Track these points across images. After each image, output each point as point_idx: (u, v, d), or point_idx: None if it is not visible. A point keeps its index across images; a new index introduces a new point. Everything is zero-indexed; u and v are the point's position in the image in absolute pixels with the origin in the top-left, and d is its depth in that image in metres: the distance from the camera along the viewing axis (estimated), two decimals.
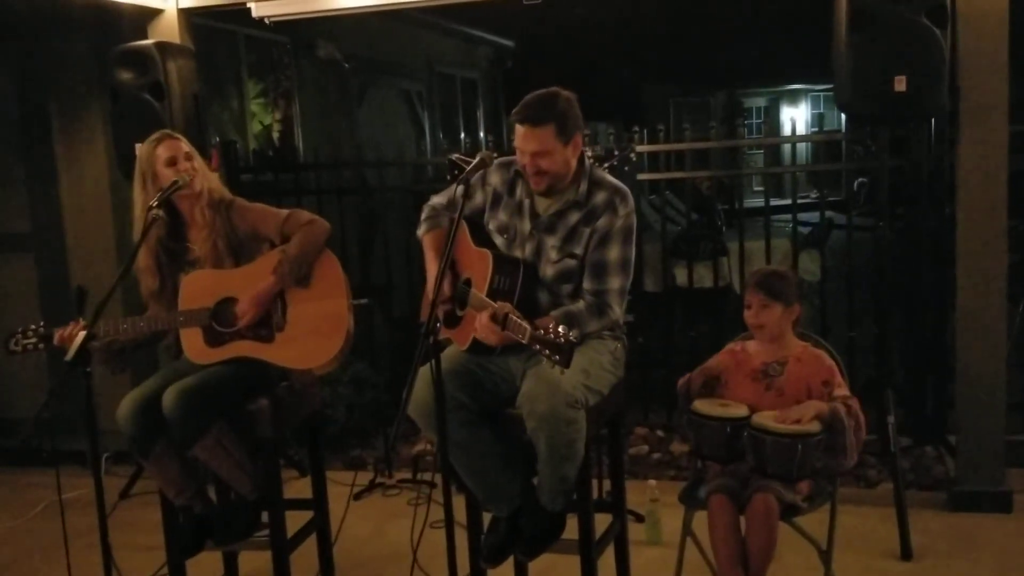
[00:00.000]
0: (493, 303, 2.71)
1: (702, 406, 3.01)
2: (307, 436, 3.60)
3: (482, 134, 10.23)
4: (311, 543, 3.48)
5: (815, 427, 2.85)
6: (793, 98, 20.99)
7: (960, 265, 3.96)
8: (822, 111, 20.14)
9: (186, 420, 3.03)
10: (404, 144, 7.91)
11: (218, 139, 5.50)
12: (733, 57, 14.63)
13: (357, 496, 4.48)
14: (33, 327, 3.20)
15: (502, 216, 3.04)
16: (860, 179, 11.78)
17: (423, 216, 3.22)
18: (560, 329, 2.46)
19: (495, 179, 3.05)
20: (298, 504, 3.53)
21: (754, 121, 19.92)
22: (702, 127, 6.90)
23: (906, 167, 4.71)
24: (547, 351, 2.46)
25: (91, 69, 5.03)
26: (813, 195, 5.27)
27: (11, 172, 5.41)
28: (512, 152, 2.97)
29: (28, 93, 5.32)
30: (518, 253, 2.97)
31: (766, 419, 2.88)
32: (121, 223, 5.14)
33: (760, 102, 21.12)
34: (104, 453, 4.99)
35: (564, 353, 2.44)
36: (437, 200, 3.23)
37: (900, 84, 3.55)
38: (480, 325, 2.68)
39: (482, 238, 3.04)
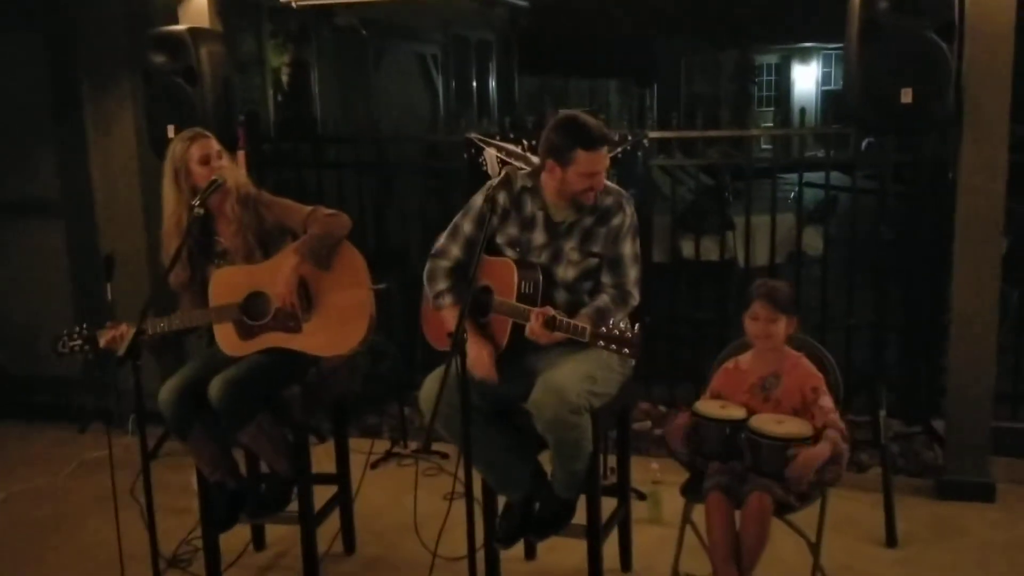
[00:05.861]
0: (524, 307, 2.99)
1: (703, 407, 3.20)
2: (331, 413, 3.82)
3: (496, 110, 10.24)
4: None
5: (807, 431, 3.05)
6: (804, 56, 20.90)
7: (956, 262, 4.11)
8: (831, 70, 20.08)
9: (233, 409, 3.25)
10: (418, 108, 7.98)
11: (243, 116, 5.58)
12: (745, 14, 14.56)
13: (374, 465, 4.69)
14: (78, 329, 3.39)
15: (512, 231, 3.23)
16: (868, 139, 11.83)
17: (440, 285, 3.25)
18: (622, 325, 2.73)
19: (501, 197, 3.18)
20: (322, 479, 3.75)
21: (765, 78, 19.89)
22: (713, 84, 6.98)
23: (911, 163, 4.83)
24: (613, 346, 2.71)
25: (122, 42, 5.09)
26: (820, 153, 5.40)
27: (43, 138, 5.51)
28: (530, 136, 3.16)
29: (60, 60, 5.38)
30: (533, 261, 3.19)
31: (762, 422, 3.08)
32: (148, 191, 5.25)
33: (772, 59, 21.02)
34: (131, 414, 5.22)
35: (633, 345, 2.69)
36: (446, 247, 3.27)
37: (907, 96, 3.68)
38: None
39: (492, 250, 3.23)
